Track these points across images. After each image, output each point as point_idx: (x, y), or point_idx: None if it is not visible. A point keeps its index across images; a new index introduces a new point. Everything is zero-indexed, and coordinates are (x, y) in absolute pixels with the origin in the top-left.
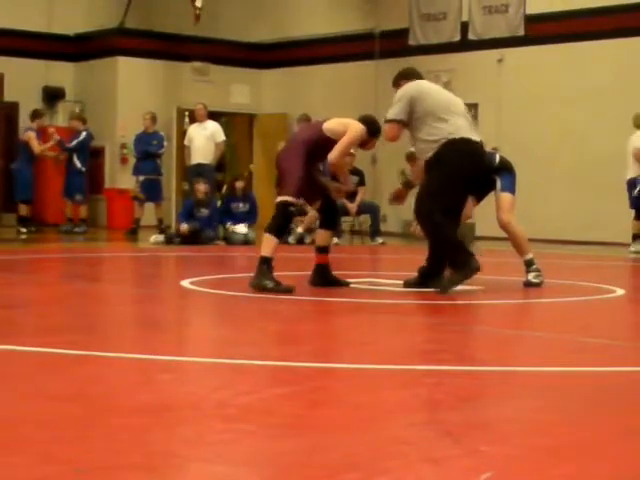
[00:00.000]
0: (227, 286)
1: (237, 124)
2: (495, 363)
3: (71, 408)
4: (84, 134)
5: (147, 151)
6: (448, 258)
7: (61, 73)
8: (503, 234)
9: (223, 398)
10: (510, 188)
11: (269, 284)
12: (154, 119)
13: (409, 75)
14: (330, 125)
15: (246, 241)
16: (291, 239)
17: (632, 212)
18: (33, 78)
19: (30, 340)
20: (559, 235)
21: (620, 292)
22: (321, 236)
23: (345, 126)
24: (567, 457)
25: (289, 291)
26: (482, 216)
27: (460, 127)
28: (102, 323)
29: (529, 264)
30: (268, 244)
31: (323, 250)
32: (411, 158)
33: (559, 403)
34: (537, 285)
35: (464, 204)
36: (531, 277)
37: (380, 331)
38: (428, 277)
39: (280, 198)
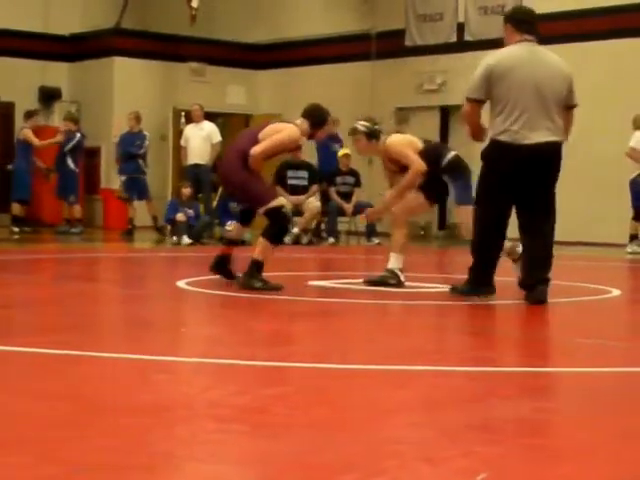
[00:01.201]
0: (223, 286)
1: (233, 125)
2: (491, 364)
3: (66, 408)
4: (78, 136)
5: (128, 151)
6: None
7: (57, 73)
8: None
9: (217, 398)
10: (468, 200)
11: (257, 283)
12: (138, 119)
13: None
14: (264, 134)
15: (243, 241)
16: (287, 239)
17: (631, 212)
18: (29, 78)
19: (26, 340)
20: (558, 236)
21: (616, 293)
22: (237, 230)
23: (279, 132)
24: (563, 458)
25: (277, 289)
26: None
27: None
28: (97, 323)
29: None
30: (262, 249)
31: (233, 242)
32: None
33: (556, 404)
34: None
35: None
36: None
37: (374, 331)
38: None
39: (267, 207)
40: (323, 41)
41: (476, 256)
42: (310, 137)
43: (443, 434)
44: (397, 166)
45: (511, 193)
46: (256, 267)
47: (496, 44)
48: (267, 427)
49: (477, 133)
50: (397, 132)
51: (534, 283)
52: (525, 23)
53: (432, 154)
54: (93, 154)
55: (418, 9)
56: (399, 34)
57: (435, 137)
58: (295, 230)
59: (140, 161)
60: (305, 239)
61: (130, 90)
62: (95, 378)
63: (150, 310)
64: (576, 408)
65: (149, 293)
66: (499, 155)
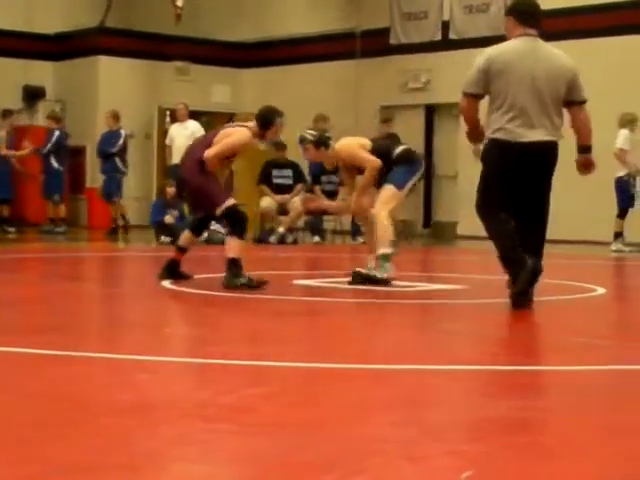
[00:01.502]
0: (208, 286)
1: (218, 123)
2: (477, 362)
3: (49, 408)
4: (57, 134)
5: (104, 150)
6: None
7: (41, 72)
8: (483, 234)
9: (203, 398)
10: (396, 181)
11: (242, 280)
12: (115, 117)
13: None
14: (218, 139)
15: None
16: (273, 239)
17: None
18: (13, 77)
19: (9, 339)
20: (552, 234)
21: (601, 291)
22: (186, 237)
23: (229, 136)
24: (549, 456)
25: (263, 284)
26: (463, 216)
27: None
28: (82, 323)
29: (382, 258)
30: (233, 246)
31: (182, 249)
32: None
33: (541, 402)
34: (382, 282)
35: None
36: (376, 271)
37: (359, 330)
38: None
39: (222, 208)
40: (308, 40)
41: (509, 268)
42: (261, 137)
43: (427, 432)
44: (355, 169)
45: (512, 193)
46: (234, 265)
47: (481, 42)
48: (253, 426)
49: (473, 130)
50: (383, 131)
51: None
52: (528, 16)
53: (383, 149)
54: (78, 153)
55: (403, 7)
56: (384, 32)
57: (420, 135)
58: (280, 229)
59: (116, 160)
60: (290, 238)
61: (115, 89)
62: (79, 378)
63: (135, 310)
64: (562, 406)
65: (134, 293)
66: (498, 154)
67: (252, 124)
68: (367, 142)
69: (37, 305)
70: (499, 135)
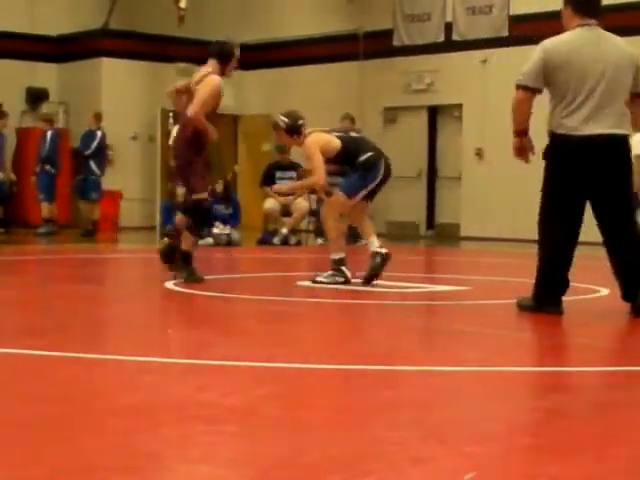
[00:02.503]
0: (210, 287)
1: (221, 125)
2: (479, 363)
3: (54, 410)
4: (49, 135)
5: (79, 151)
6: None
7: (44, 74)
8: (486, 235)
9: (206, 399)
10: (348, 190)
11: (184, 274)
12: (97, 117)
13: None
14: (190, 108)
15: (229, 242)
16: (276, 240)
17: None
18: (16, 79)
19: (11, 342)
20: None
21: (605, 292)
22: (180, 219)
23: (202, 88)
24: (550, 457)
25: (199, 280)
26: (466, 217)
27: None
28: (85, 325)
29: (336, 263)
30: (186, 240)
31: (176, 234)
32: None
33: (546, 403)
34: (325, 284)
35: None
36: (323, 277)
37: (363, 331)
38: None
39: (195, 197)
40: (311, 41)
41: (543, 272)
42: (222, 74)
43: (431, 434)
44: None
45: (580, 196)
46: (184, 258)
47: (484, 44)
48: (256, 428)
49: (521, 124)
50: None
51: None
52: (586, 5)
53: (352, 150)
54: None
55: (406, 9)
56: (387, 34)
57: (423, 137)
58: (284, 230)
59: (90, 162)
60: (293, 239)
61: (118, 91)
62: (82, 380)
63: (139, 311)
64: (567, 407)
65: (138, 294)
66: (561, 150)
67: (210, 67)
68: (335, 141)
69: (38, 307)
70: (562, 130)
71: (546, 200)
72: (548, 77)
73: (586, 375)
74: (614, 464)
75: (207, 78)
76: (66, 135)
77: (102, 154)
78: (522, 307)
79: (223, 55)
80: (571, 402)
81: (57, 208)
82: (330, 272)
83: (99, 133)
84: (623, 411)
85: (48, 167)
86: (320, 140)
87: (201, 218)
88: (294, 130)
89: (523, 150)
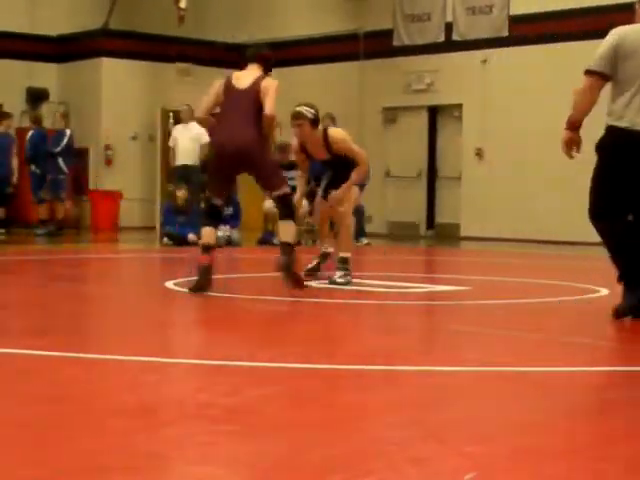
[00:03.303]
0: (211, 287)
1: None
2: (479, 363)
3: (54, 410)
4: (29, 135)
5: (48, 150)
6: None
7: (45, 74)
8: (486, 235)
9: (207, 399)
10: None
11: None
12: (64, 116)
13: None
14: (263, 92)
15: (229, 242)
16: (276, 240)
17: None
18: (16, 79)
19: (16, 342)
20: (544, 235)
21: (604, 292)
22: (209, 234)
23: (270, 87)
24: (550, 457)
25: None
26: (466, 217)
27: None
28: (85, 325)
29: (347, 262)
30: (289, 230)
31: (209, 248)
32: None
33: (543, 403)
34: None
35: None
36: (338, 277)
37: (362, 331)
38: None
39: (281, 191)
40: (311, 41)
41: (623, 274)
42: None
43: (431, 434)
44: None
45: (635, 190)
46: (291, 247)
47: (484, 44)
48: (256, 428)
49: (582, 114)
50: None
51: None
52: None
53: None
54: (81, 155)
55: (406, 9)
56: (387, 34)
57: (423, 137)
58: None
59: (59, 160)
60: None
61: (118, 91)
62: (83, 380)
63: (140, 311)
64: (565, 407)
65: (138, 294)
66: (614, 144)
67: (256, 71)
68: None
69: (39, 307)
70: (619, 123)
71: (595, 198)
72: (615, 66)
73: (586, 375)
74: (614, 464)
75: (269, 81)
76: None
77: (70, 153)
78: (621, 313)
79: (267, 59)
80: (571, 402)
81: (56, 208)
82: (342, 272)
83: (68, 132)
84: (623, 411)
85: (33, 167)
86: (345, 132)
87: (292, 207)
88: (317, 121)
89: (573, 144)
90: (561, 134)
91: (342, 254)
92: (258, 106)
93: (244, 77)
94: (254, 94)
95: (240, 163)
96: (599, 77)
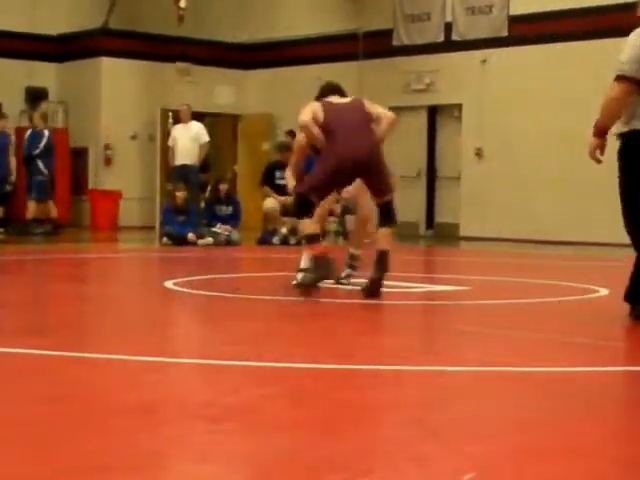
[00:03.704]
0: (210, 287)
1: (221, 125)
2: (479, 363)
3: (56, 410)
4: (27, 135)
5: (28, 152)
6: None
7: (44, 74)
8: (485, 235)
9: (208, 398)
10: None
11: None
12: (43, 117)
13: None
14: (369, 108)
15: (229, 242)
16: (275, 240)
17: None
18: (15, 79)
19: (16, 341)
20: (542, 235)
21: (604, 292)
22: (310, 224)
23: (373, 105)
24: (549, 456)
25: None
26: (466, 217)
27: None
28: (85, 324)
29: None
30: (388, 237)
31: (316, 238)
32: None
33: (543, 403)
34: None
35: None
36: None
37: (365, 331)
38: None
39: (388, 197)
40: (311, 41)
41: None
42: None
43: (431, 433)
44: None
45: None
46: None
47: (483, 44)
48: (257, 426)
49: (612, 120)
50: None
51: None
52: None
53: None
54: (80, 154)
55: (405, 9)
56: (387, 34)
57: (423, 136)
58: (283, 230)
59: (38, 161)
60: (293, 239)
61: (118, 90)
62: (87, 379)
63: (140, 311)
64: (563, 407)
65: (138, 294)
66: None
67: (344, 97)
68: None
69: (41, 307)
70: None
71: (627, 205)
72: None
73: (586, 375)
74: (614, 464)
75: (364, 100)
76: (65, 134)
77: (50, 154)
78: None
79: (342, 91)
80: (570, 402)
81: (55, 207)
82: (350, 270)
83: (46, 133)
84: (623, 411)
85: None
86: None
87: (393, 217)
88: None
89: (600, 149)
90: (560, 133)
91: (352, 250)
92: (367, 116)
93: (336, 98)
94: (358, 104)
95: (361, 170)
96: (633, 83)
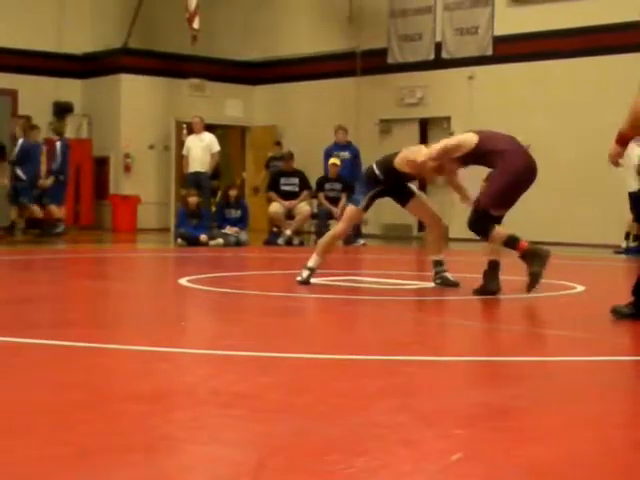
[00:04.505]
0: (221, 284)
1: (231, 135)
2: (467, 354)
3: (76, 395)
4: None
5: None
6: None
7: (70, 89)
8: (474, 236)
9: (217, 386)
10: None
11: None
12: (22, 127)
13: None
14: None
15: (238, 242)
16: (280, 241)
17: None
18: (44, 94)
19: (42, 333)
20: (529, 237)
21: (580, 289)
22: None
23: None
24: (531, 439)
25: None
26: (456, 218)
27: None
28: (106, 318)
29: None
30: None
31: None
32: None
33: (525, 390)
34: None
35: None
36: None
37: (362, 325)
38: None
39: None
40: (312, 59)
41: None
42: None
43: (420, 419)
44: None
45: None
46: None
47: (471, 62)
48: (262, 412)
49: (636, 130)
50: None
51: None
52: None
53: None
54: (103, 162)
55: (400, 29)
56: (382, 52)
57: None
58: (287, 232)
59: (16, 168)
60: (297, 240)
61: (136, 104)
62: (105, 368)
63: (155, 306)
64: (543, 394)
65: (154, 290)
66: None
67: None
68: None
69: (67, 302)
70: None
71: None
72: None
73: (565, 364)
74: (585, 445)
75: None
76: (88, 144)
77: (27, 161)
78: (620, 314)
79: None
80: (549, 389)
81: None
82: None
83: (20, 141)
84: (596, 397)
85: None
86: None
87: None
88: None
89: (620, 157)
90: (543, 143)
91: (434, 257)
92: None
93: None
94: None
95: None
96: None
